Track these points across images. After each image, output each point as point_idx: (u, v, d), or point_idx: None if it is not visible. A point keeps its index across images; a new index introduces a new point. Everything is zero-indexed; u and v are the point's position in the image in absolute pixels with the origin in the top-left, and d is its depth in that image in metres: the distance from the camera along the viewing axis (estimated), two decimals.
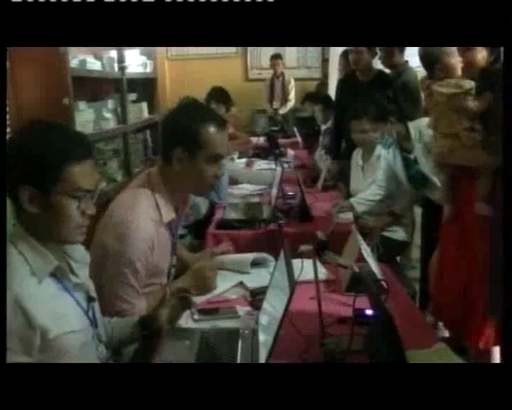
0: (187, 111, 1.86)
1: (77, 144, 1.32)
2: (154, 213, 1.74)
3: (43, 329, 1.23)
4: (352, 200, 3.08)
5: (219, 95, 5.17)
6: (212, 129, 1.74)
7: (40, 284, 1.26)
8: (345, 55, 5.02)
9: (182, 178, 1.77)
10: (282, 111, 6.74)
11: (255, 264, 2.15)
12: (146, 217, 1.71)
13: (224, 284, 1.97)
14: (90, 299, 1.44)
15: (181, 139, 1.73)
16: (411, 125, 2.82)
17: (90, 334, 1.41)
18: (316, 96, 5.20)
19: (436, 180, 2.78)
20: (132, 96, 4.75)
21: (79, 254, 1.45)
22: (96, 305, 1.48)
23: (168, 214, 1.77)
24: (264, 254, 2.21)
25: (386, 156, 3.03)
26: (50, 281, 1.30)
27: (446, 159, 2.38)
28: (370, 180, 3.14)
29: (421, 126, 2.79)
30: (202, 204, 3.53)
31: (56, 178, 1.27)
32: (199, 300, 1.80)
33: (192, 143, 1.73)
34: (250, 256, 2.16)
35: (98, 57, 4.04)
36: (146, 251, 1.70)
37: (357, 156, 3.32)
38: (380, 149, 3.07)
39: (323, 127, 4.72)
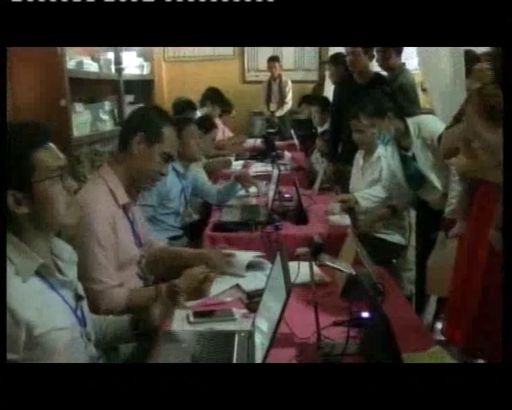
0: (155, 108, 2.13)
1: (34, 131, 1.34)
2: (109, 196, 1.87)
3: (29, 325, 1.23)
4: (357, 194, 3.07)
5: (214, 96, 5.18)
6: (173, 131, 1.98)
7: (25, 283, 1.26)
8: (333, 59, 4.89)
9: (134, 162, 1.90)
10: (279, 113, 6.73)
11: (251, 266, 2.15)
12: (102, 198, 1.84)
13: (220, 286, 1.96)
14: (78, 298, 1.44)
15: (145, 127, 1.92)
16: (410, 120, 2.81)
17: (78, 332, 1.40)
18: (313, 98, 5.20)
19: (433, 178, 2.77)
20: (129, 98, 4.75)
21: (67, 255, 1.45)
22: (85, 304, 1.48)
23: (122, 197, 1.89)
24: (260, 259, 2.20)
25: (384, 154, 3.03)
26: (36, 280, 1.30)
27: (475, 174, 2.11)
28: (370, 179, 3.15)
29: (419, 122, 2.79)
30: (193, 207, 3.51)
31: (28, 168, 1.28)
32: (195, 302, 1.79)
33: (153, 133, 1.91)
34: (245, 259, 2.16)
35: (95, 59, 4.04)
36: (107, 228, 1.80)
37: (359, 157, 3.33)
38: (380, 151, 3.08)
39: (320, 130, 4.73)
